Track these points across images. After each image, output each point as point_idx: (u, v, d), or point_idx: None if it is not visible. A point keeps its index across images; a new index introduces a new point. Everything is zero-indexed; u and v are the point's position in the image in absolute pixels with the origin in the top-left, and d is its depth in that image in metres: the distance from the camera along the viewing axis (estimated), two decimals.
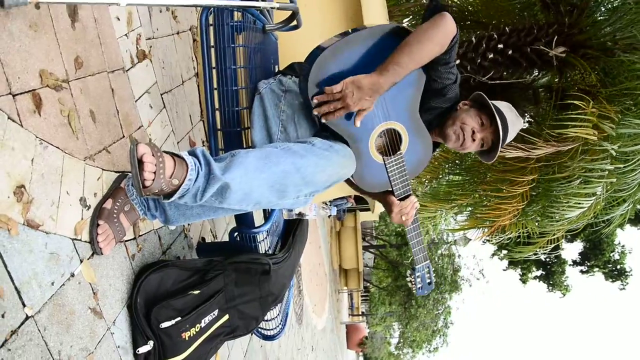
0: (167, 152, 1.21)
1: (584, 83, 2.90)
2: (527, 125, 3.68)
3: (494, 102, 1.75)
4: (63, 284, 1.25)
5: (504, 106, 1.78)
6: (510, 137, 1.78)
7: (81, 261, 1.34)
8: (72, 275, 1.29)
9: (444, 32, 1.46)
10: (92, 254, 1.40)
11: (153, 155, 1.13)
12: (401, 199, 1.72)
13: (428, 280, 1.89)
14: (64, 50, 1.39)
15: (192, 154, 1.27)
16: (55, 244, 1.24)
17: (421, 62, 1.49)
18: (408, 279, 1.90)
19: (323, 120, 1.50)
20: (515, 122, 1.77)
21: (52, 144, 1.28)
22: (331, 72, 1.51)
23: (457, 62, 3.30)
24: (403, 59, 1.44)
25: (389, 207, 1.74)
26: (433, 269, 1.97)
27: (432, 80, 1.62)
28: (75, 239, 1.33)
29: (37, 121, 1.23)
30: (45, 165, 1.24)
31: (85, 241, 1.38)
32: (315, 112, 1.50)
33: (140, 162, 1.11)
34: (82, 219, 1.38)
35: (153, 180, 1.13)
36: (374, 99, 1.48)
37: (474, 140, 1.71)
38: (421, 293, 1.90)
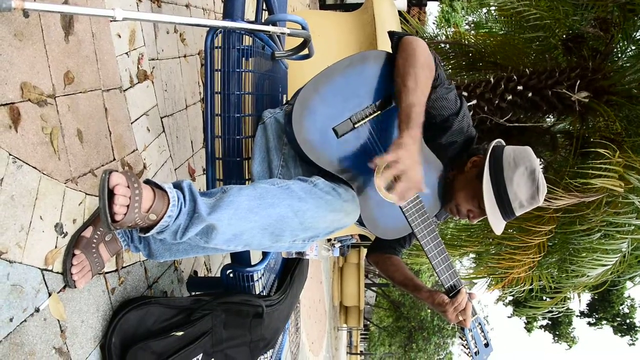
0: (148, 182, 1.08)
1: (608, 131, 2.77)
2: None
3: (514, 156, 1.48)
4: (24, 320, 1.11)
5: (524, 177, 1.46)
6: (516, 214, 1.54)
7: (49, 294, 1.20)
8: (37, 310, 1.15)
9: (420, 52, 1.34)
10: (64, 287, 1.26)
11: (128, 186, 0.99)
12: (452, 295, 1.47)
13: (484, 341, 1.50)
14: (53, 64, 1.29)
15: (177, 186, 1.13)
16: (20, 275, 1.11)
17: (426, 89, 1.33)
18: (459, 342, 1.53)
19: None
20: (528, 204, 1.49)
21: (27, 163, 1.16)
22: (315, 107, 1.37)
23: (474, 102, 3.19)
24: (411, 97, 1.29)
25: (441, 308, 1.50)
26: (485, 323, 1.56)
27: (429, 115, 1.45)
28: (45, 270, 1.20)
29: (11, 137, 1.12)
30: (17, 186, 1.12)
31: (57, 272, 1.24)
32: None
33: (112, 193, 0.97)
34: (55, 247, 1.24)
35: (125, 214, 0.99)
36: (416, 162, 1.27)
37: (473, 217, 1.54)
38: None
